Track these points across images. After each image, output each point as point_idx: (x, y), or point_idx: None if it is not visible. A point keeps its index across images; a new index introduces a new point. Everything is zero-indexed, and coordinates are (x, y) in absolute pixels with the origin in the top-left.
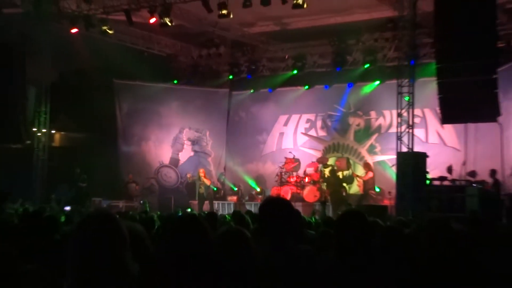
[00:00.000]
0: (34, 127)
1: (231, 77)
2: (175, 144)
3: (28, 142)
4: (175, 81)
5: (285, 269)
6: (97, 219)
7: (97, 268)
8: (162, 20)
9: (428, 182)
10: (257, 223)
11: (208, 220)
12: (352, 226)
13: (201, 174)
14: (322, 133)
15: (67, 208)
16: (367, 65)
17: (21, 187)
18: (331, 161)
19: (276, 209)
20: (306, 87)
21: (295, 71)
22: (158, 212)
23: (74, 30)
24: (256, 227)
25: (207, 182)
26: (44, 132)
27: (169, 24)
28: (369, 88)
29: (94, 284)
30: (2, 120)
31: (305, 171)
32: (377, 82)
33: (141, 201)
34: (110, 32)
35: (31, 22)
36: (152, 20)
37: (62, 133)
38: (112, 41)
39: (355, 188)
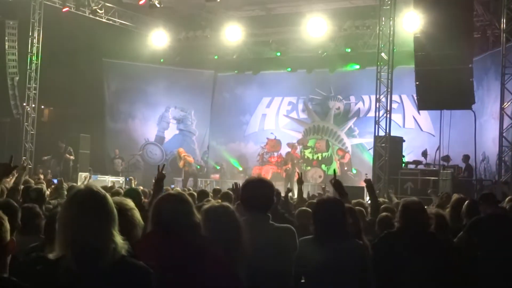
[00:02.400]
0: (24, 102)
1: (216, 57)
2: (161, 123)
3: (18, 116)
4: (161, 60)
5: (267, 246)
6: (87, 195)
7: (84, 243)
8: (150, 2)
9: (403, 165)
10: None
11: (200, 197)
12: (328, 210)
13: (182, 154)
14: (303, 116)
15: (55, 181)
16: (348, 50)
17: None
18: (311, 142)
19: (257, 188)
20: (289, 69)
21: (278, 53)
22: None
23: (65, 9)
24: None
25: (190, 160)
26: (33, 107)
27: (158, 5)
28: (349, 67)
29: (82, 259)
30: None
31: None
32: (357, 66)
33: (128, 178)
34: (100, 12)
35: (24, 1)
36: (142, 1)
37: (51, 108)
38: (102, 21)
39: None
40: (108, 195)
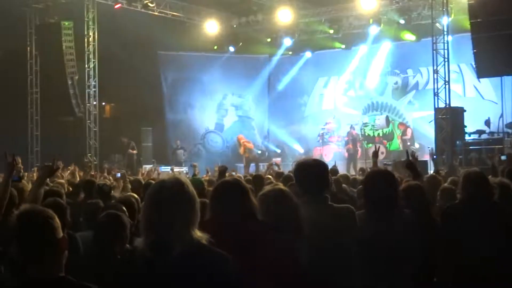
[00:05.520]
0: (85, 100)
1: (269, 40)
2: (219, 110)
3: (80, 115)
4: (215, 47)
5: (327, 228)
6: (167, 185)
7: (159, 231)
8: None
9: (466, 136)
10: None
11: (255, 181)
12: (378, 183)
13: (242, 141)
14: (360, 93)
15: (118, 175)
16: (402, 21)
17: (76, 158)
18: (370, 119)
19: (312, 169)
20: (343, 46)
21: (331, 31)
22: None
23: (117, 6)
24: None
25: (250, 146)
26: (94, 104)
27: None
28: (405, 37)
29: (156, 247)
30: (56, 95)
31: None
32: (413, 37)
33: (191, 164)
34: (151, 5)
35: (77, 1)
36: None
37: (112, 104)
38: (154, 14)
39: (395, 144)
40: (189, 185)
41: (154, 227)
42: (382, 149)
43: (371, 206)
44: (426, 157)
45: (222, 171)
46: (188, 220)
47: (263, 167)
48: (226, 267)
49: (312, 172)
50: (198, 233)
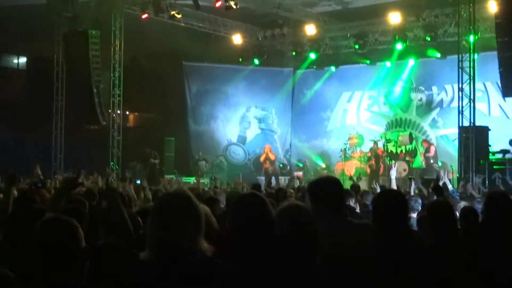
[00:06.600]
0: (109, 109)
1: (294, 53)
2: (242, 123)
3: (104, 123)
4: (240, 59)
5: (346, 245)
6: (173, 197)
7: (166, 243)
8: (227, 3)
9: (490, 155)
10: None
11: (277, 195)
12: (388, 202)
13: (266, 149)
14: (384, 109)
15: (138, 182)
16: (428, 38)
17: (99, 166)
18: (393, 136)
19: (327, 186)
20: (368, 62)
21: (356, 46)
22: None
23: (144, 16)
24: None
25: (272, 157)
26: (118, 113)
27: (234, 7)
28: (430, 54)
29: (163, 259)
30: (80, 104)
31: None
32: (438, 54)
33: (212, 178)
34: (178, 16)
35: (104, 9)
36: (218, 4)
37: (136, 113)
38: (180, 25)
39: (418, 162)
40: (194, 198)
41: (159, 240)
42: (404, 165)
43: (377, 225)
44: (449, 176)
45: (255, 187)
46: (193, 233)
47: (284, 180)
48: (231, 280)
49: (329, 188)
50: (204, 245)
